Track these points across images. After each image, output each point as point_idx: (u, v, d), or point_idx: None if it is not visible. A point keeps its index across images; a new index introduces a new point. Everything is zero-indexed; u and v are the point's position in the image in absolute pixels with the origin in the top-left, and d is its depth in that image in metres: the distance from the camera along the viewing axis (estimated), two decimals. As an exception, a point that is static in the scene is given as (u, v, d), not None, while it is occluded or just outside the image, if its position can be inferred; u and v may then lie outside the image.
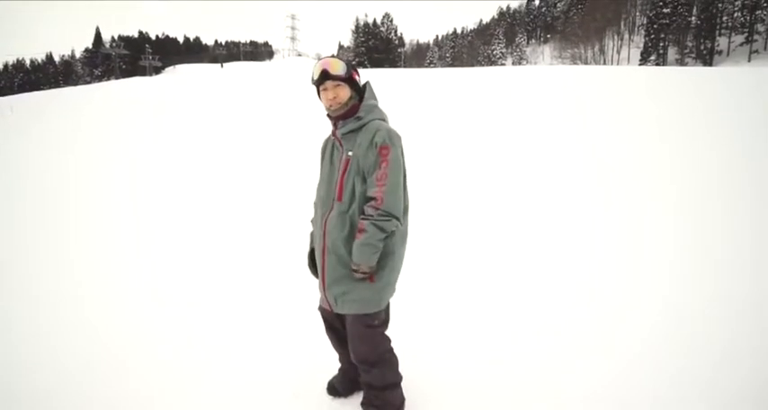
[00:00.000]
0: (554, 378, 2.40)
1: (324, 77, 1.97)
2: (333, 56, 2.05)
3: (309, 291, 2.80)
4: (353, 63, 2.22)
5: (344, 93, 1.99)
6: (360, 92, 2.06)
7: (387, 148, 1.91)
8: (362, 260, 1.88)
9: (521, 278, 3.63)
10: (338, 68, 1.97)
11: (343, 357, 2.30)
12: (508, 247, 4.31)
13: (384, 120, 2.06)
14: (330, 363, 2.41)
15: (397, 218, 1.91)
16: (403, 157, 1.99)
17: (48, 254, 4.55)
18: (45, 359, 2.66)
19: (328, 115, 2.06)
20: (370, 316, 2.00)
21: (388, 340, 2.13)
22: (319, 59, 2.07)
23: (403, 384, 2.18)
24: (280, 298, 3.41)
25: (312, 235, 2.17)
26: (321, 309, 2.23)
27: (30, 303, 3.43)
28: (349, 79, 2.00)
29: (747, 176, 5.71)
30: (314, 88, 2.06)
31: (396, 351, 2.16)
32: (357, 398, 2.25)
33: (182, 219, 5.56)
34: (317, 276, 2.16)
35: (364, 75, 2.14)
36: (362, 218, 1.90)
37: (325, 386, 2.38)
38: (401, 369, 2.16)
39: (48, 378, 2.49)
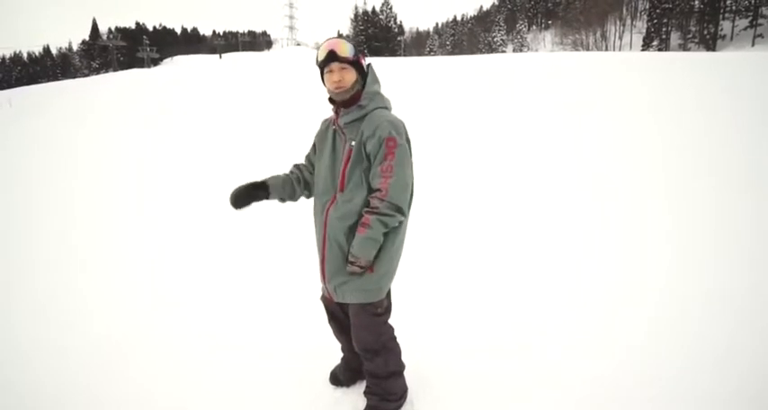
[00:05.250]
0: (554, 374, 2.38)
1: (330, 58, 1.88)
2: (340, 36, 1.94)
3: (310, 282, 2.79)
4: (361, 48, 2.14)
5: (350, 76, 1.91)
6: (365, 77, 1.97)
7: (393, 140, 1.84)
8: (363, 254, 1.84)
9: (521, 272, 3.61)
10: (346, 50, 1.89)
11: (346, 346, 2.28)
12: (509, 241, 4.28)
13: (387, 108, 1.99)
14: (332, 353, 2.40)
15: (402, 212, 1.87)
16: (409, 146, 1.93)
17: (50, 251, 4.52)
18: (48, 357, 2.65)
19: (330, 99, 1.98)
20: (373, 304, 1.98)
21: (391, 328, 2.11)
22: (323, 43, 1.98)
23: (405, 373, 2.17)
24: (281, 289, 3.40)
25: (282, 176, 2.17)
26: (323, 299, 2.22)
27: (31, 302, 3.41)
28: (356, 63, 1.92)
29: (748, 172, 5.60)
30: (318, 72, 1.97)
31: (399, 340, 2.14)
32: (359, 388, 2.25)
33: (182, 213, 5.55)
34: (236, 206, 2.04)
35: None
36: (367, 212, 1.84)
37: (328, 375, 2.37)
38: (404, 358, 2.15)
39: (50, 376, 2.48)
